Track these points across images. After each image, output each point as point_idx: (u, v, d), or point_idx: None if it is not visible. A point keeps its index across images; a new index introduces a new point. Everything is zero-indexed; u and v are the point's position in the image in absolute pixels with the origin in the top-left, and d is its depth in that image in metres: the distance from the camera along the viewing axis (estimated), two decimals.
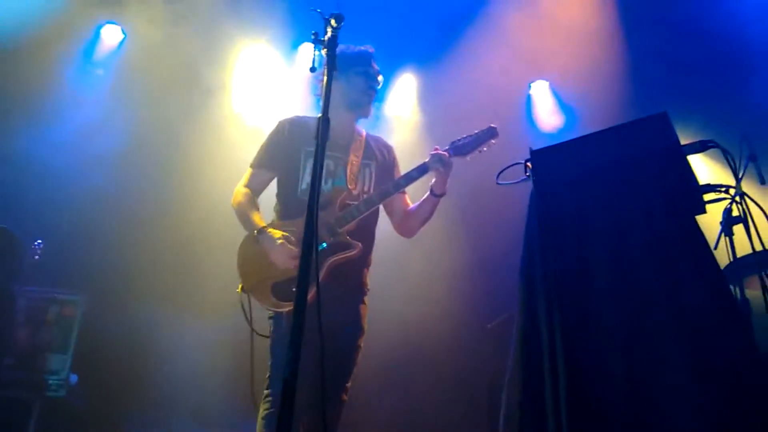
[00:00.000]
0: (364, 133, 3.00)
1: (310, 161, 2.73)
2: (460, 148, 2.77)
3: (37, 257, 4.53)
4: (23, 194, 5.00)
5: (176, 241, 5.18)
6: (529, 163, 2.19)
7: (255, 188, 2.86)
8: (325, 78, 1.91)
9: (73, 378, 4.35)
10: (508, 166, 2.34)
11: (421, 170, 2.75)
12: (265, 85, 5.77)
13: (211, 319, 4.75)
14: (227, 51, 5.74)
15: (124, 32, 5.71)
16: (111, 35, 5.69)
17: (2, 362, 4.10)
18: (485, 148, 2.79)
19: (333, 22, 1.96)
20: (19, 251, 4.41)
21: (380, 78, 2.93)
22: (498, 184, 2.34)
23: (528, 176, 2.19)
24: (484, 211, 5.30)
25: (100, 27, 5.67)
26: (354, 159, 2.83)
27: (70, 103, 5.46)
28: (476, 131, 2.79)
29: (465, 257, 5.43)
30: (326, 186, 2.71)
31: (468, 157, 2.79)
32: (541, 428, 1.70)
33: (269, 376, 2.65)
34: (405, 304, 5.20)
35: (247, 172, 2.91)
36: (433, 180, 2.79)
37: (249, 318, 2.61)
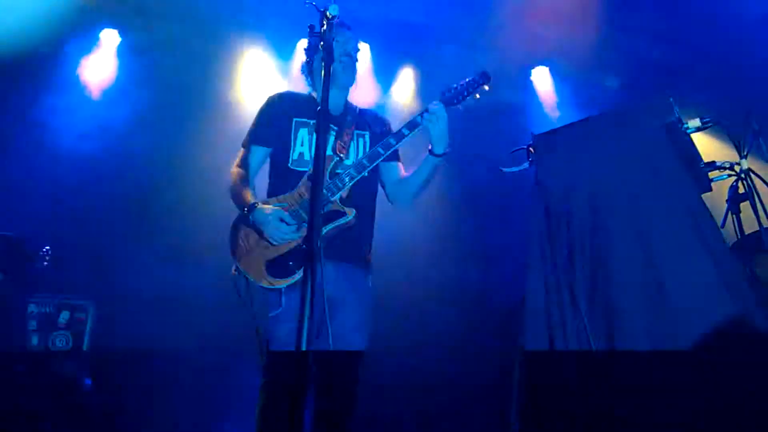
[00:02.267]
0: (356, 105, 2.90)
1: (302, 131, 2.65)
2: (451, 98, 2.61)
3: (45, 263, 4.55)
4: (28, 200, 5.02)
5: (183, 240, 5.19)
6: (531, 148, 2.19)
7: (250, 166, 2.75)
8: (323, 71, 1.90)
9: (87, 382, 4.37)
10: (512, 151, 2.34)
11: (411, 126, 2.61)
12: (265, 83, 5.78)
13: (223, 314, 4.75)
14: (227, 51, 5.75)
15: (121, 35, 5.73)
16: (109, 39, 5.71)
17: (14, 369, 4.13)
18: (478, 96, 2.62)
19: (328, 14, 1.96)
20: (27, 258, 4.44)
21: (355, 43, 2.78)
22: (502, 170, 2.33)
23: (531, 161, 2.19)
24: (489, 197, 5.31)
25: (98, 31, 5.69)
26: (346, 128, 2.71)
27: (70, 109, 5.49)
28: (467, 78, 2.64)
29: (473, 240, 5.45)
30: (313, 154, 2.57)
31: (461, 106, 2.62)
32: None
33: (264, 363, 2.51)
34: (412, 288, 5.21)
35: (240, 152, 2.79)
36: (430, 138, 2.61)
37: (249, 302, 2.49)
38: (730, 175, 2.06)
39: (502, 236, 5.13)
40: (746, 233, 2.68)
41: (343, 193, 2.54)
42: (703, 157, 2.07)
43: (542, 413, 1.76)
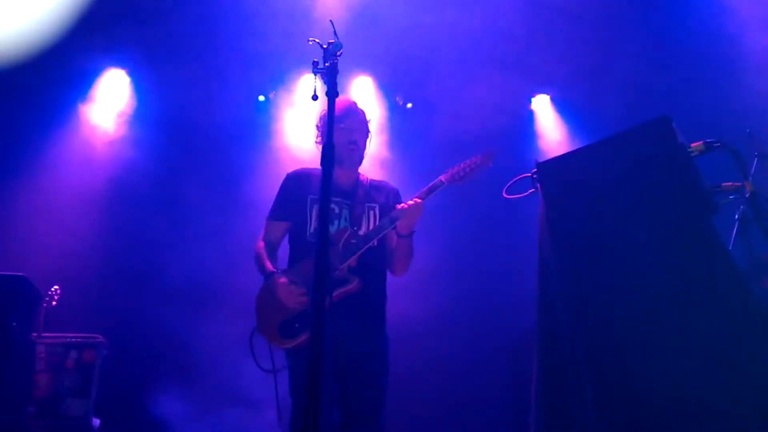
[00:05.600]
0: (367, 178, 3.06)
1: (316, 207, 2.82)
2: (455, 178, 2.78)
3: (54, 303, 4.55)
4: (36, 240, 5.07)
5: (195, 279, 5.19)
6: (535, 176, 2.20)
7: (271, 240, 2.97)
8: (327, 105, 1.94)
9: (96, 422, 4.33)
10: (515, 179, 2.35)
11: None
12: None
13: (235, 354, 4.72)
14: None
15: (129, 75, 5.85)
16: (115, 79, 5.83)
17: (25, 411, 4.10)
18: (478, 173, 2.80)
19: (331, 50, 2.00)
20: (36, 299, 4.45)
21: (364, 126, 2.96)
22: (506, 197, 2.34)
23: (535, 188, 2.19)
24: (495, 222, 5.37)
25: (101, 70, 5.81)
26: (358, 202, 2.93)
27: (74, 148, 5.58)
28: (473, 158, 2.79)
29: (480, 264, 5.54)
30: (332, 228, 2.78)
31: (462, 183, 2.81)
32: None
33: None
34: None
35: (264, 226, 3.02)
36: (403, 222, 2.79)
37: (270, 359, 2.71)
38: (736, 198, 2.06)
39: (512, 254, 5.18)
40: (756, 253, 2.67)
41: (352, 261, 2.72)
42: (708, 179, 2.07)
43: None
